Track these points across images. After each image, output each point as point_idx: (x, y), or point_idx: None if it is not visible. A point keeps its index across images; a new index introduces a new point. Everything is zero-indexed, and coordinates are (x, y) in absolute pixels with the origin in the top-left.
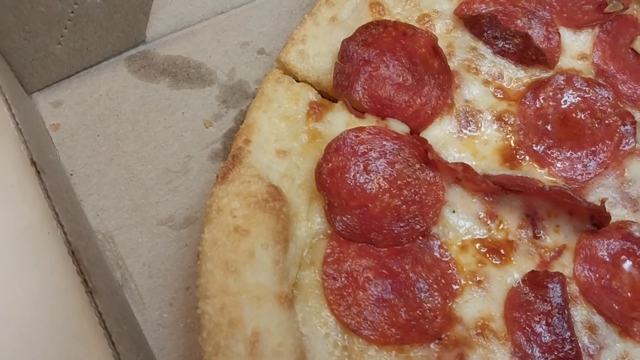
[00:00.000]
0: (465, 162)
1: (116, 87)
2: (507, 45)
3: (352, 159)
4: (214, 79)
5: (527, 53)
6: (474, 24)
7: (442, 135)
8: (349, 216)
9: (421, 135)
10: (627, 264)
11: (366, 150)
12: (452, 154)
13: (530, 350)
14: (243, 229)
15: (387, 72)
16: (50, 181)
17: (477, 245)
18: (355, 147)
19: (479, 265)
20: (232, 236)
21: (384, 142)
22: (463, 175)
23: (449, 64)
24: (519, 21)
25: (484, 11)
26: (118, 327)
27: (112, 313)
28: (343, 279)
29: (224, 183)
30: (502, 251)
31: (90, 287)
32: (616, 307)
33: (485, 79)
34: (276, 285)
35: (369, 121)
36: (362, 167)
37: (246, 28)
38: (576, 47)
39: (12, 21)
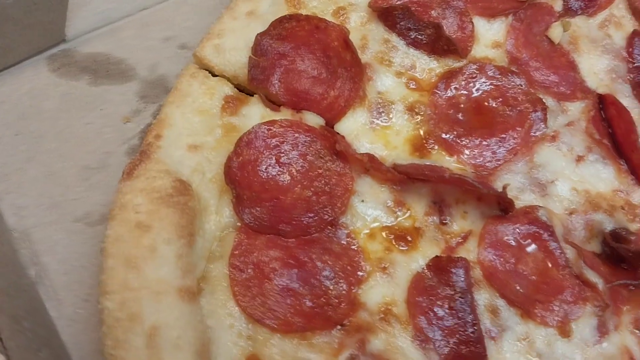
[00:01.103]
0: (377, 153)
1: (37, 86)
2: (419, 37)
3: (265, 152)
4: (134, 75)
5: (439, 43)
6: (387, 16)
7: (355, 126)
8: (258, 208)
9: (336, 127)
10: (533, 248)
11: (278, 143)
12: (365, 145)
13: (431, 334)
14: (145, 225)
15: (302, 65)
16: None
17: (385, 232)
18: (267, 140)
19: (386, 252)
20: (134, 232)
21: (296, 135)
22: (370, 166)
23: (363, 56)
24: (433, 12)
25: (397, 3)
26: (14, 325)
27: (8, 311)
28: (249, 271)
29: (130, 179)
30: (408, 238)
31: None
32: (520, 290)
33: (398, 71)
34: (178, 279)
35: (284, 114)
36: (275, 160)
37: (170, 23)
38: (490, 35)
39: None
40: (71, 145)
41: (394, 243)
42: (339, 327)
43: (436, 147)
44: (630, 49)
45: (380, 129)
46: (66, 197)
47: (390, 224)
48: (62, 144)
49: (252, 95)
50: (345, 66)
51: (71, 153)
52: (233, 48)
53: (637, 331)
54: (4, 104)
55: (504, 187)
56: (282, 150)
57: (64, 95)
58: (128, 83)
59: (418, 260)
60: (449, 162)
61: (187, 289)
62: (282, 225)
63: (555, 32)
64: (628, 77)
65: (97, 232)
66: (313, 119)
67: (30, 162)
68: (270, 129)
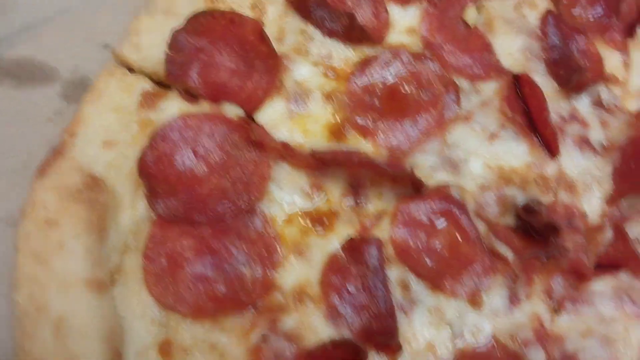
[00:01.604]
0: (295, 140)
1: None
2: (334, 26)
3: (181, 144)
4: (57, 77)
5: (353, 32)
6: (302, 7)
7: (274, 115)
8: (173, 200)
9: (255, 117)
10: (444, 224)
11: (195, 135)
12: (284, 133)
13: (343, 310)
14: (53, 221)
15: (220, 59)
16: None
17: (302, 217)
18: (183, 132)
19: (303, 236)
20: (42, 228)
21: (213, 126)
22: (285, 153)
23: (281, 47)
24: (348, 1)
25: None
26: None
27: None
28: (163, 261)
29: (43, 178)
30: (325, 221)
31: None
32: (431, 265)
33: (315, 60)
34: (87, 271)
35: (203, 106)
36: (192, 152)
37: (91, 25)
38: (405, 22)
39: None
40: None
41: (310, 226)
42: (251, 308)
43: (352, 132)
44: (544, 28)
45: (298, 117)
46: None
47: (307, 209)
48: None
49: (168, 90)
50: (262, 58)
51: None
52: (151, 45)
53: (548, 299)
54: None
55: (412, 168)
56: (199, 142)
57: None
58: (51, 85)
59: (334, 242)
60: (365, 146)
61: (97, 280)
62: (197, 215)
63: (470, 15)
64: (542, 56)
65: (15, 233)
66: (232, 110)
67: None
68: (186, 122)
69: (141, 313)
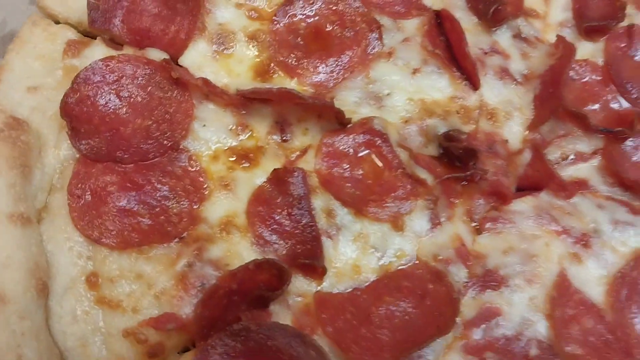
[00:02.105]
0: (220, 81)
1: None
2: None
3: (104, 87)
4: None
5: None
6: None
7: (198, 58)
8: (96, 139)
9: (180, 60)
10: (367, 153)
11: (117, 78)
12: (208, 75)
13: (269, 238)
14: None
15: (143, 5)
16: None
17: (228, 153)
18: (106, 75)
19: (229, 171)
20: None
21: (135, 69)
22: (207, 90)
23: None
24: None
25: None
26: None
27: None
28: (87, 196)
29: None
30: (251, 156)
31: None
32: (355, 192)
33: (237, 2)
34: (9, 207)
35: (127, 51)
36: (115, 94)
37: None
38: None
39: None
40: None
41: (236, 162)
42: (177, 239)
43: (278, 71)
44: None
45: (222, 58)
46: None
47: (232, 145)
48: None
49: (93, 39)
50: (184, 1)
51: None
52: None
53: (469, 220)
54: None
55: (331, 99)
56: (122, 84)
57: None
58: None
59: (260, 175)
60: (290, 85)
61: (20, 215)
62: (120, 153)
63: None
64: None
65: None
66: (155, 54)
67: None
68: (108, 65)
69: (68, 248)
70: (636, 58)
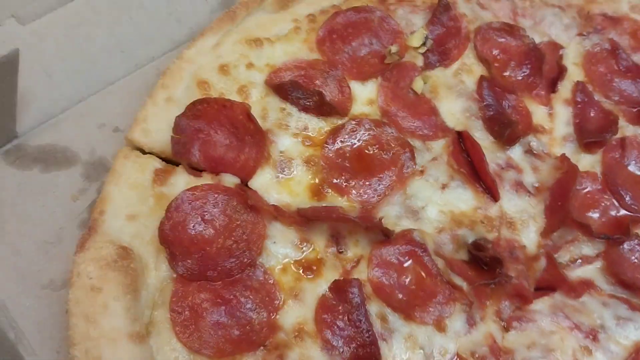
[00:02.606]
0: (283, 201)
1: None
2: (307, 103)
3: (191, 212)
4: (77, 159)
5: (323, 107)
6: (280, 89)
7: (264, 181)
8: (189, 261)
9: (249, 183)
10: (410, 263)
11: (202, 204)
12: (273, 196)
13: (335, 343)
14: (97, 287)
15: (216, 137)
16: None
17: (294, 265)
18: (192, 202)
19: (296, 281)
20: (89, 294)
21: (215, 195)
22: (276, 213)
23: (265, 123)
24: (317, 81)
25: (287, 78)
26: None
27: None
28: (186, 312)
29: (82, 251)
30: (313, 267)
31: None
32: (402, 299)
33: (294, 132)
34: (128, 327)
35: (206, 179)
36: (200, 218)
37: (102, 111)
38: (364, 95)
39: None
40: (30, 225)
41: (302, 273)
42: (261, 347)
43: (330, 191)
44: (480, 91)
45: (284, 181)
46: (31, 269)
47: (298, 258)
48: (22, 226)
49: (178, 166)
50: (251, 134)
51: (31, 232)
52: (157, 129)
53: (498, 320)
54: None
55: (381, 219)
56: (205, 210)
57: (20, 184)
58: (73, 167)
59: (322, 285)
60: (341, 202)
61: (137, 333)
62: (210, 272)
63: (418, 84)
64: (479, 114)
65: (61, 295)
66: (229, 180)
67: None
68: (193, 194)
69: (174, 357)
70: (629, 167)
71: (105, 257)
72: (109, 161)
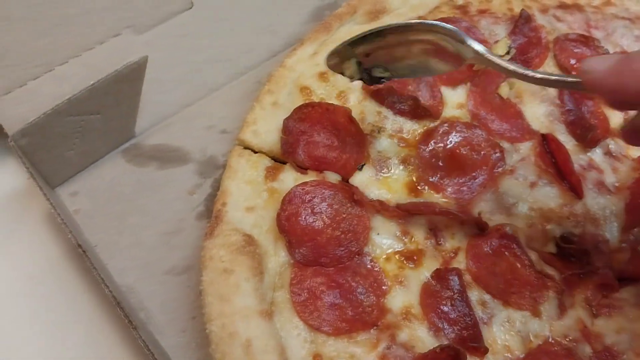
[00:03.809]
0: (383, 197)
1: (116, 175)
2: (403, 107)
3: (302, 205)
4: (190, 158)
5: (417, 111)
6: (377, 94)
7: (365, 179)
8: (304, 248)
9: (350, 181)
10: (505, 254)
11: (311, 198)
12: (374, 192)
13: (440, 325)
14: (230, 270)
15: (319, 138)
16: (92, 258)
17: (397, 255)
18: (303, 196)
19: (400, 269)
20: (222, 276)
21: (323, 190)
22: (380, 207)
23: (363, 125)
24: (410, 87)
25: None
26: (145, 352)
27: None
28: (305, 294)
29: (212, 237)
30: (415, 257)
31: (135, 324)
32: (500, 286)
33: (390, 134)
34: (257, 305)
35: (311, 175)
36: (310, 211)
37: (209, 115)
38: (455, 99)
39: (41, 142)
40: (149, 218)
41: (404, 263)
42: (374, 327)
43: (426, 188)
44: (561, 96)
45: (383, 179)
46: (153, 257)
47: (400, 249)
48: (143, 218)
49: (285, 164)
50: (352, 135)
51: (151, 224)
52: (266, 131)
53: (588, 306)
54: (93, 192)
55: (479, 214)
56: (314, 203)
57: (138, 180)
58: (187, 165)
59: (424, 273)
60: (437, 198)
61: (265, 311)
62: (322, 259)
63: (503, 90)
64: (562, 119)
65: (182, 280)
66: (332, 177)
67: (120, 235)
68: (304, 188)
69: (296, 334)
70: None
71: (234, 243)
72: (219, 159)
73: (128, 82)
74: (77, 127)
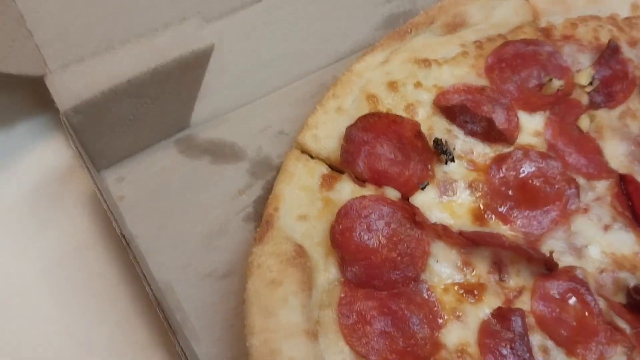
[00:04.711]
0: (445, 221)
1: (167, 164)
2: (475, 127)
3: (357, 220)
4: (244, 156)
5: (491, 133)
6: (448, 111)
7: (427, 200)
8: (356, 267)
9: (410, 199)
10: (573, 300)
11: (368, 214)
12: (435, 214)
13: None
14: (278, 281)
15: (381, 150)
16: (134, 249)
17: (456, 287)
18: (359, 211)
19: (458, 303)
20: (269, 286)
21: (382, 207)
22: (443, 233)
23: (430, 142)
24: (485, 107)
25: (455, 101)
26: (190, 356)
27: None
28: (354, 317)
29: (261, 244)
30: (475, 292)
31: (174, 329)
32: (564, 334)
33: (458, 154)
34: (304, 323)
35: (369, 189)
36: (366, 227)
37: (268, 113)
38: (532, 126)
39: (93, 122)
40: (196, 214)
41: (464, 296)
42: None
43: (493, 217)
44: None
45: (446, 202)
46: (195, 257)
47: (460, 281)
48: (187, 215)
49: (342, 173)
50: (417, 151)
51: (195, 221)
52: (327, 136)
53: None
54: (140, 180)
55: (551, 253)
56: (371, 219)
57: (188, 173)
58: (240, 162)
59: (484, 309)
60: (504, 230)
61: (311, 331)
62: (375, 281)
63: (583, 122)
64: None
65: (223, 285)
66: (392, 193)
67: (163, 229)
68: (361, 202)
69: (340, 359)
70: None
71: (285, 252)
72: (273, 160)
73: (191, 69)
74: (133, 110)
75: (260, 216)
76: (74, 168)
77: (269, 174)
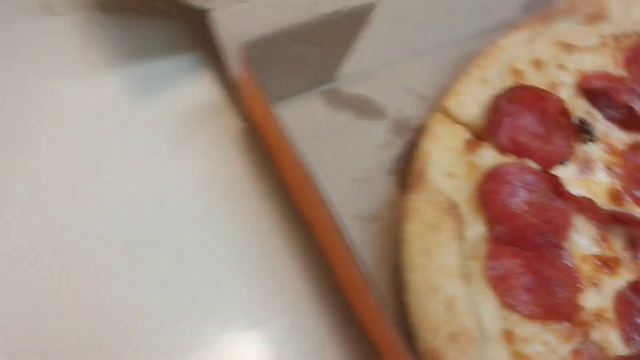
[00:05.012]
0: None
1: (316, 114)
2: (614, 113)
3: (502, 185)
4: (385, 114)
5: (630, 121)
6: (591, 95)
7: (565, 175)
8: (500, 227)
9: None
10: None
11: (512, 180)
12: (574, 190)
13: (632, 335)
14: (437, 226)
15: (525, 123)
16: None
17: (593, 258)
18: (505, 176)
19: (595, 272)
20: (429, 230)
21: (525, 175)
22: (588, 207)
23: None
24: (624, 96)
25: (598, 86)
26: None
27: None
28: (501, 270)
29: (415, 192)
30: (610, 264)
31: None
32: None
33: (597, 137)
34: (459, 268)
35: (510, 159)
36: (511, 192)
37: (410, 77)
38: None
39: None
40: (342, 161)
41: (600, 267)
42: (568, 321)
43: (629, 199)
44: None
45: (584, 180)
46: (341, 200)
47: (597, 253)
48: (335, 161)
49: (482, 140)
50: (560, 127)
51: (342, 168)
52: (470, 103)
53: None
54: (289, 123)
55: None
56: (514, 185)
57: (335, 123)
58: (381, 120)
59: (619, 281)
60: (638, 213)
61: (466, 275)
62: (519, 242)
63: None
64: None
65: (370, 227)
66: (532, 165)
67: (315, 171)
68: (507, 168)
69: (489, 308)
70: None
71: (440, 202)
72: (412, 122)
73: (353, 23)
74: (296, 54)
75: (401, 172)
76: (219, 105)
77: (409, 134)
